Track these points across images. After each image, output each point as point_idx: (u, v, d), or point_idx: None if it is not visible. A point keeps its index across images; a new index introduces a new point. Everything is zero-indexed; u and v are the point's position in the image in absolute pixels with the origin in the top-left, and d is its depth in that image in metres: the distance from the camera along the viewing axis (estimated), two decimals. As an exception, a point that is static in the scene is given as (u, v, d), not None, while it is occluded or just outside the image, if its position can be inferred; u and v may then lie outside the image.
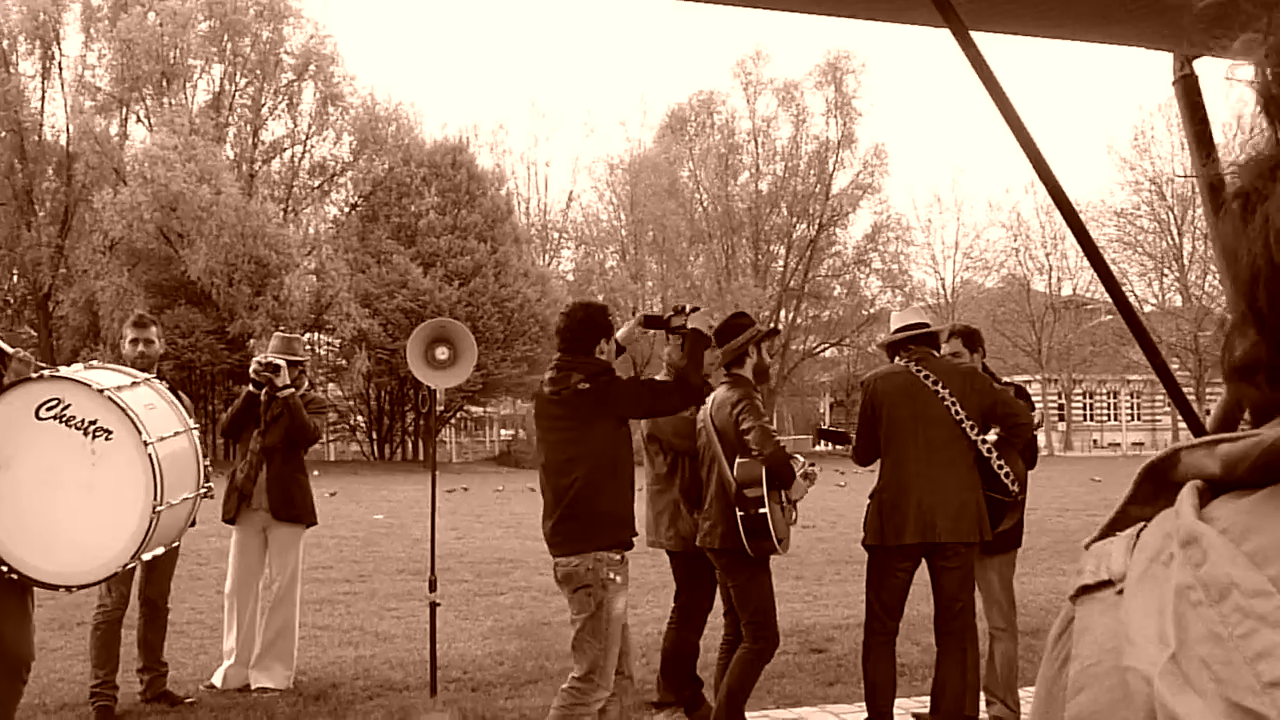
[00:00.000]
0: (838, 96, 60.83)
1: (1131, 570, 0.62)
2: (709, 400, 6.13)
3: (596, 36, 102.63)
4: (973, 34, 6.58)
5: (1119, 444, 68.72)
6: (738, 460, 5.79)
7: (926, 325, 6.26)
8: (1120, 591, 0.62)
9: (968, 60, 6.58)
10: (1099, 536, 0.71)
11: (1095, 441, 69.69)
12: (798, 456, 6.12)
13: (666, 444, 6.49)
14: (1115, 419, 73.22)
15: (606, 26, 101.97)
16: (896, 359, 6.14)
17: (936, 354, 6.19)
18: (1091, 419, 72.45)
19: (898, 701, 6.20)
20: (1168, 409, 71.16)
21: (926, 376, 5.90)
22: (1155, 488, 0.68)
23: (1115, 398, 73.46)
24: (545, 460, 5.28)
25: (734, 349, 6.09)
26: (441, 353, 5.96)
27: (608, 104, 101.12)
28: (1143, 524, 0.66)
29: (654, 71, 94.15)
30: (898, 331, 6.22)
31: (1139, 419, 73.26)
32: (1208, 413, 9.29)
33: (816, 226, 61.31)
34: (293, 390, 7.49)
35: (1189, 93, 8.49)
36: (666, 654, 6.59)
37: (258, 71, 48.26)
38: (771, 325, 8.35)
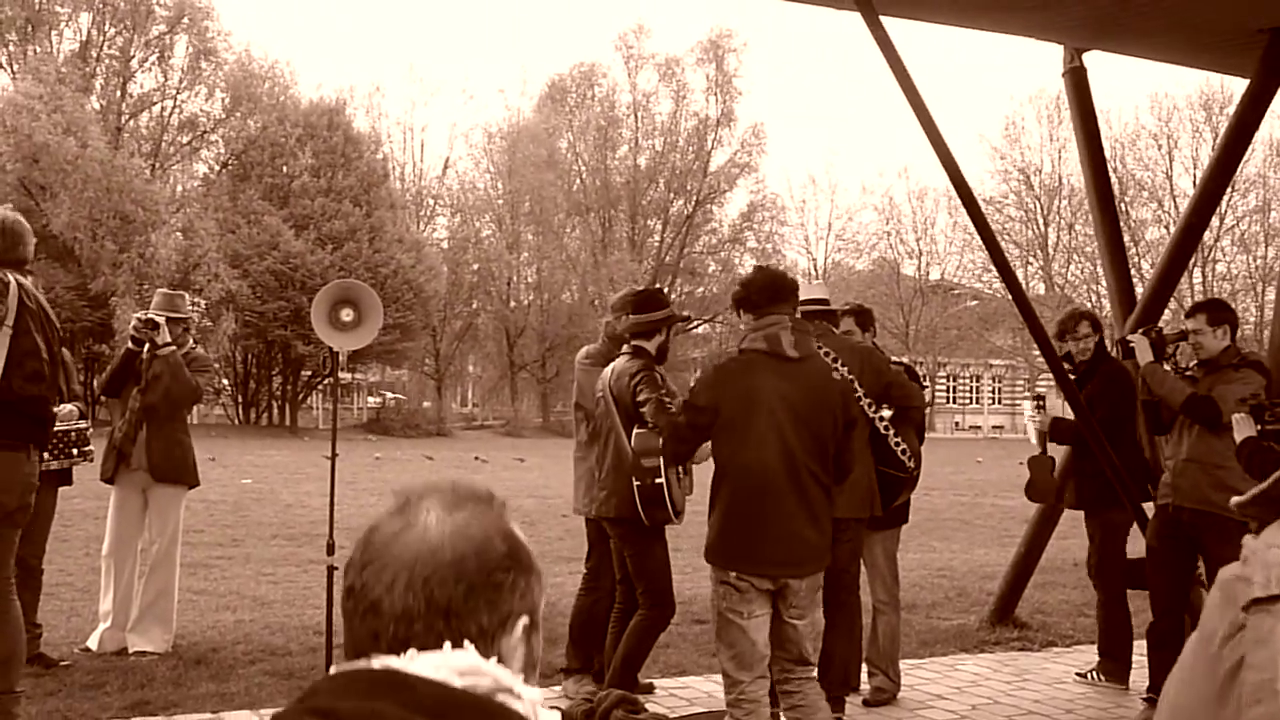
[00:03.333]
0: (719, 74, 61.19)
1: None
2: (608, 370, 6.16)
3: (477, 2, 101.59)
4: (880, 18, 6.70)
5: (980, 426, 70.56)
6: (635, 430, 5.82)
7: (827, 302, 6.37)
8: None
9: (876, 43, 6.70)
10: (1253, 505, 0.70)
11: (957, 424, 71.40)
12: None
13: (589, 412, 6.49)
14: (977, 402, 75.06)
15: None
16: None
17: (835, 331, 6.29)
18: (954, 401, 74.17)
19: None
20: (1027, 394, 73.24)
21: (826, 353, 5.98)
22: None
23: (978, 381, 75.29)
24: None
25: (646, 322, 6.11)
26: (346, 314, 5.89)
27: (487, 71, 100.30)
28: None
29: (535, 41, 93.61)
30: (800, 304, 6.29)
31: (1000, 403, 75.18)
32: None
33: (693, 203, 61.67)
34: (174, 348, 7.33)
35: (1078, 85, 8.76)
36: (575, 621, 6.60)
37: (127, 22, 46.81)
38: (686, 313, 8.44)
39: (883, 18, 6.71)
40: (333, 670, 1.32)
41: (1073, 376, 7.15)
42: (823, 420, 4.74)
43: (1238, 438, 5.65)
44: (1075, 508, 7.48)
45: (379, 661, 1.29)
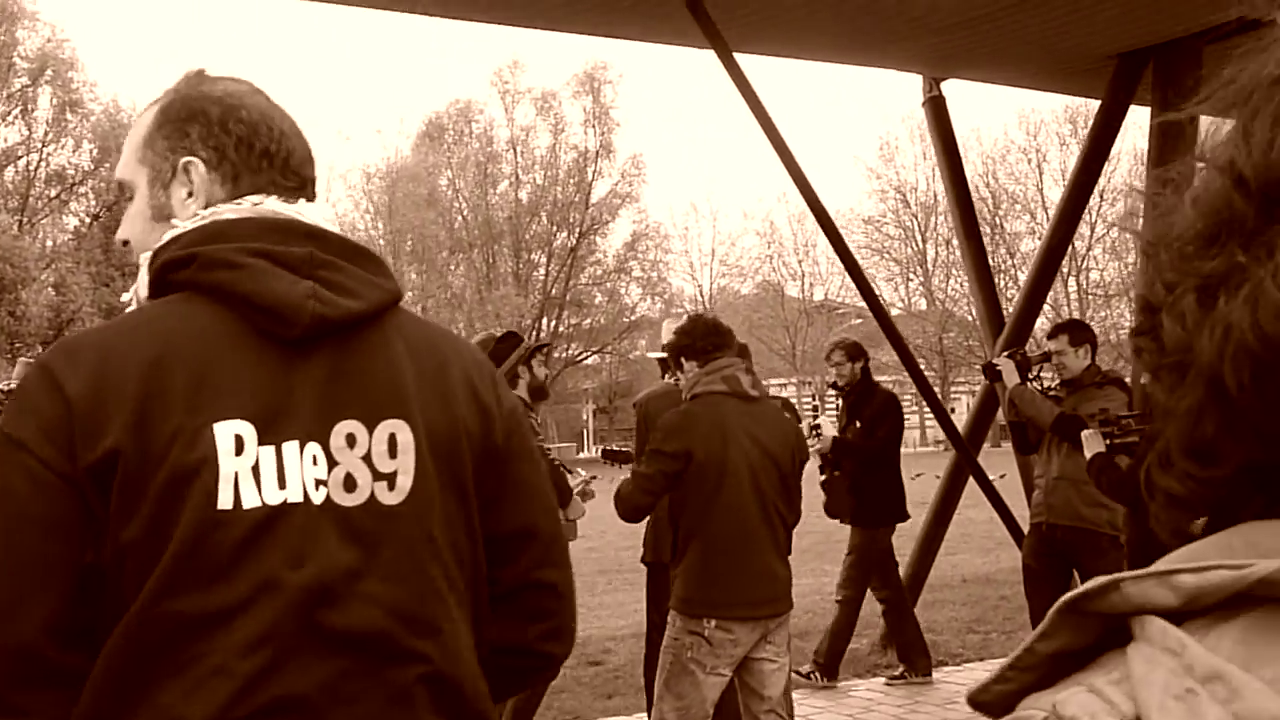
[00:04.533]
0: (595, 106, 61.41)
1: (1148, 711, 0.57)
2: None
3: (350, 43, 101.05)
4: (735, 55, 6.82)
5: (870, 443, 71.45)
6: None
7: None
8: None
9: (731, 79, 6.83)
10: (1004, 683, 0.69)
11: (848, 441, 72.21)
12: (578, 471, 6.14)
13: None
14: (866, 419, 75.99)
15: (360, 33, 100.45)
16: (667, 375, 6.25)
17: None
18: (844, 419, 75.01)
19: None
20: (915, 409, 74.28)
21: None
22: (1076, 621, 0.65)
23: (866, 398, 76.26)
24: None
25: (505, 373, 6.06)
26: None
27: (363, 111, 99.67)
28: (1110, 666, 0.62)
29: (410, 79, 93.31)
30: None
31: (889, 418, 76.19)
32: (952, 410, 9.66)
33: (577, 235, 61.74)
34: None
35: (937, 112, 8.99)
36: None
37: (-12, 75, 45.75)
38: (539, 340, 8.21)
39: (739, 55, 6.82)
40: None
41: (840, 402, 7.95)
42: (784, 457, 4.80)
43: (1088, 454, 5.81)
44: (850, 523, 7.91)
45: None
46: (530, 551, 1.77)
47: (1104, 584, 0.63)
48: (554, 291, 61.62)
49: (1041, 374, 6.81)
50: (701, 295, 68.11)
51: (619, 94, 67.81)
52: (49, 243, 48.38)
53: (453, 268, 61.23)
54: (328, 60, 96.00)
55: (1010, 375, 6.70)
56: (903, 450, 7.80)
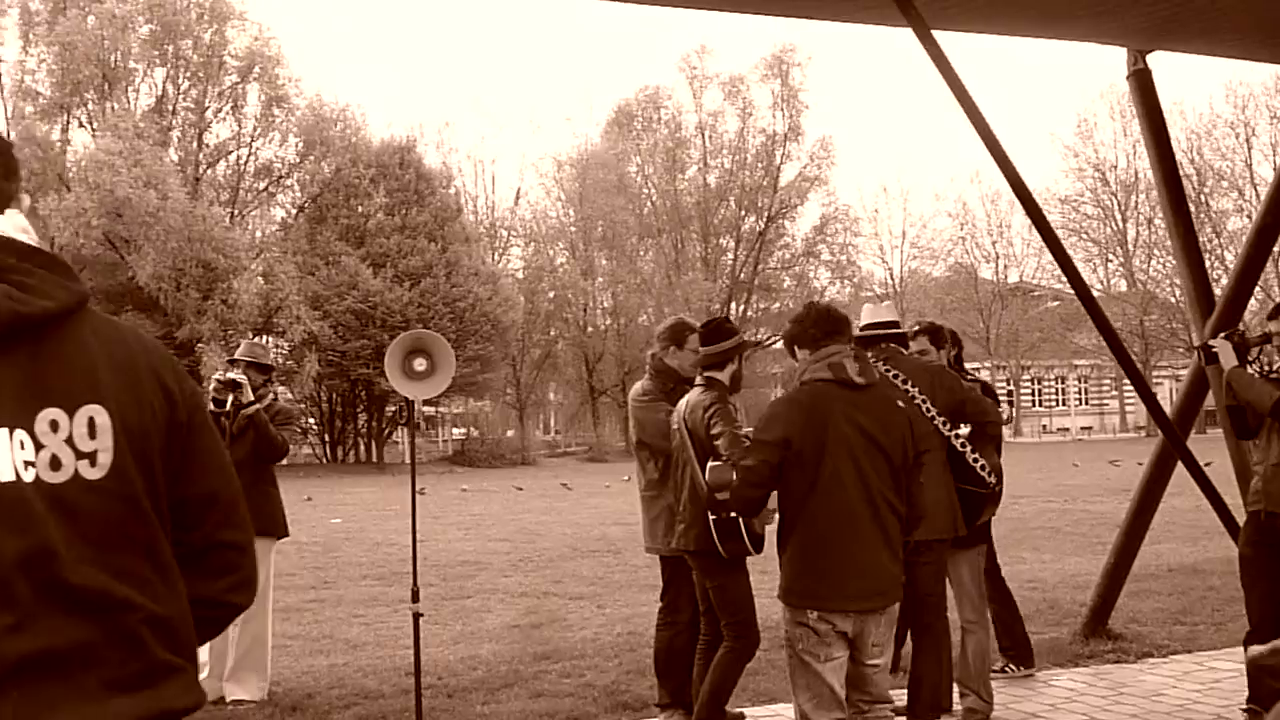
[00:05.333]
0: (784, 89, 61.05)
1: None
2: (682, 402, 6.15)
3: (540, 33, 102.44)
4: (933, 32, 6.67)
5: (1068, 429, 69.54)
6: (710, 464, 5.78)
7: (897, 324, 6.34)
8: None
9: (929, 57, 6.68)
10: None
11: (1045, 427, 70.47)
12: None
13: (655, 449, 6.49)
14: (1063, 404, 74.05)
15: (550, 23, 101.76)
16: (868, 355, 6.20)
17: (904, 352, 6.26)
18: (1040, 404, 73.22)
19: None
20: (1114, 394, 72.09)
21: (896, 375, 5.96)
22: None
23: (1063, 383, 74.29)
24: None
25: (719, 353, 6.09)
26: (419, 364, 5.96)
27: (553, 101, 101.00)
28: None
29: (599, 67, 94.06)
30: (866, 328, 6.27)
31: (1087, 403, 74.09)
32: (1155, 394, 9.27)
33: (765, 219, 61.55)
34: (259, 407, 7.44)
35: (1143, 86, 8.65)
36: (658, 656, 6.61)
37: (200, 74, 47.77)
38: (756, 339, 8.27)
39: (937, 32, 6.68)
40: None
41: None
42: (895, 447, 4.71)
43: None
44: None
45: None
46: (214, 515, 2.02)
47: None
48: (742, 276, 61.55)
49: (1260, 356, 6.52)
50: (892, 278, 67.27)
51: (807, 76, 67.38)
52: (257, 233, 50.40)
53: (642, 253, 61.67)
54: (518, 50, 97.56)
55: (1227, 357, 6.42)
56: (1100, 436, 7.46)
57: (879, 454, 4.67)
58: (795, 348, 5.00)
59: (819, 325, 4.91)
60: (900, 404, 4.97)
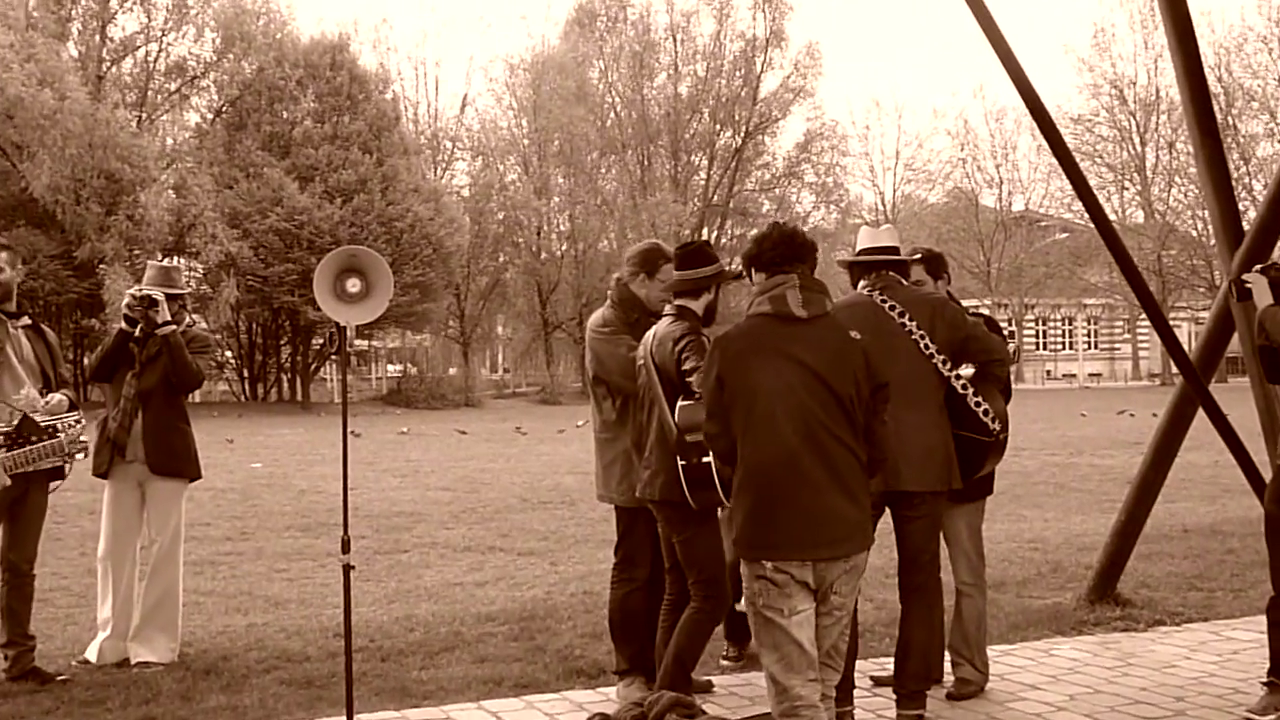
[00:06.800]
0: (766, -12, 60.71)
1: None
2: (649, 334, 6.11)
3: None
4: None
5: (1074, 375, 69.96)
6: (680, 403, 5.77)
7: (897, 250, 6.30)
8: None
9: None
10: None
11: (1049, 372, 70.92)
12: None
13: (615, 386, 6.46)
14: (1070, 348, 74.53)
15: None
16: (861, 284, 6.18)
17: (904, 282, 6.24)
18: (1044, 347, 73.65)
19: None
20: (1127, 337, 72.54)
21: (892, 307, 5.95)
22: None
23: (1070, 324, 74.76)
24: None
25: (694, 279, 6.06)
26: (353, 285, 5.88)
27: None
28: None
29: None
30: (863, 252, 6.24)
31: (1096, 348, 74.63)
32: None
33: (742, 135, 61.41)
34: (174, 327, 7.37)
35: (1171, -11, 8.60)
36: (613, 618, 6.61)
37: (104, -43, 47.06)
38: (737, 269, 8.17)
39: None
40: None
41: None
42: (842, 382, 4.70)
43: None
44: None
45: None
46: None
47: None
48: (716, 198, 61.48)
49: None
50: (883, 204, 67.38)
51: (793, -26, 66.69)
52: (169, 141, 49.88)
53: (603, 170, 61.43)
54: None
55: (1262, 294, 6.43)
56: (1111, 384, 7.48)
57: (824, 389, 4.66)
58: (752, 270, 4.99)
59: (778, 248, 4.90)
60: (854, 334, 4.95)
